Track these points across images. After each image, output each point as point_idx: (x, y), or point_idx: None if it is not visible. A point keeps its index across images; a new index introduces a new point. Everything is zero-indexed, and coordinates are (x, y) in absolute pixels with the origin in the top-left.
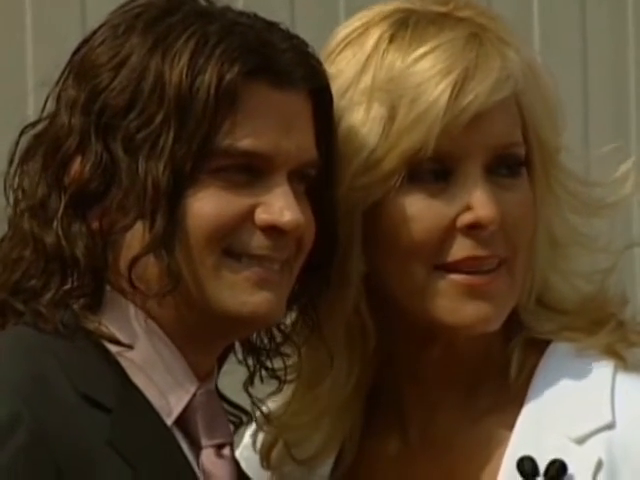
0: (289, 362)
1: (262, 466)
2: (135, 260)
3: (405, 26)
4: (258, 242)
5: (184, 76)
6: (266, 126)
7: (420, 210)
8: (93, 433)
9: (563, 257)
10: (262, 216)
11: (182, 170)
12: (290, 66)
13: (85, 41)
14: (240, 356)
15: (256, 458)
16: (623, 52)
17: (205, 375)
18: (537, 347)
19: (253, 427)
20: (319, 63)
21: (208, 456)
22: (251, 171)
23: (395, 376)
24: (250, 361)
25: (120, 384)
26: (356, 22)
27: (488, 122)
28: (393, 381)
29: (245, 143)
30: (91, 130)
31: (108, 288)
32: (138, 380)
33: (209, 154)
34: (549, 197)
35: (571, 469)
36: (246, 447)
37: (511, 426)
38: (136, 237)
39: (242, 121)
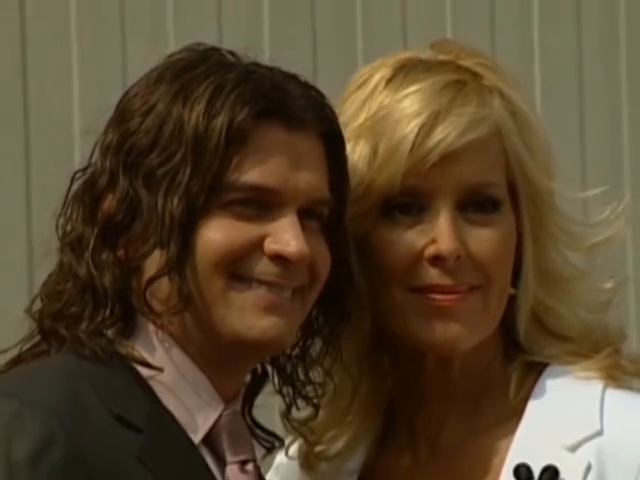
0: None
1: (302, 468)
2: (150, 281)
3: (402, 70)
4: (266, 269)
5: (201, 118)
6: (273, 162)
7: (394, 241)
8: (125, 451)
9: (564, 289)
10: (271, 246)
11: (195, 203)
12: (301, 110)
13: (126, 92)
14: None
15: (291, 467)
16: (617, 99)
17: (231, 397)
18: (535, 369)
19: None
20: (332, 111)
21: (233, 471)
22: (261, 205)
23: (405, 396)
24: (286, 390)
25: (151, 405)
26: (366, 68)
27: (459, 162)
28: (404, 400)
29: (251, 177)
30: (120, 169)
31: (139, 315)
32: (168, 401)
33: (220, 188)
34: (544, 235)
35: (563, 474)
36: (280, 464)
37: (511, 438)
38: (154, 263)
39: (250, 157)
